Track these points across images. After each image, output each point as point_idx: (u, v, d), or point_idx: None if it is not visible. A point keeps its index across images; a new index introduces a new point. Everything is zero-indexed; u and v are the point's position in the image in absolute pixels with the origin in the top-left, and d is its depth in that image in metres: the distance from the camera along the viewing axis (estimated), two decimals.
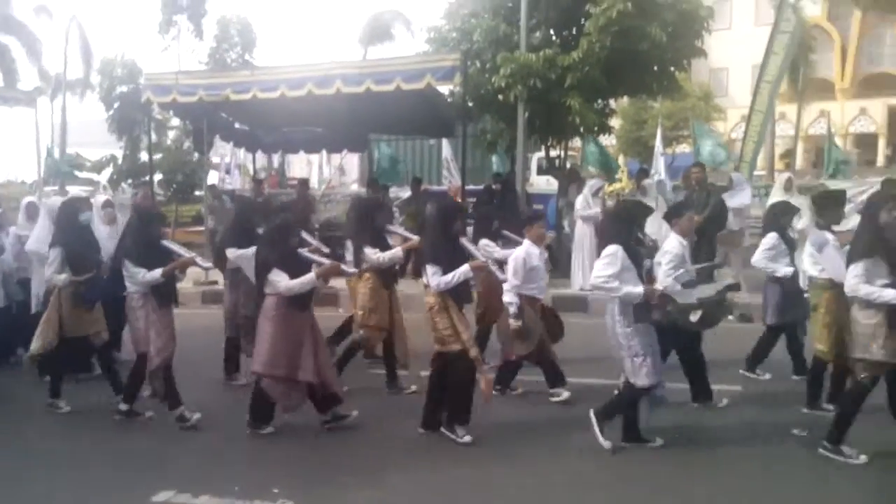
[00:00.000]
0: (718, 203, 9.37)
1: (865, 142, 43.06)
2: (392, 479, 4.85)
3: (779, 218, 6.70)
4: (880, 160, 40.09)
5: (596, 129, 12.70)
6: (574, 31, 12.26)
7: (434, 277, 5.28)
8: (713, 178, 11.35)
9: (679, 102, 27.69)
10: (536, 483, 4.74)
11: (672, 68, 12.34)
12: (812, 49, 29.67)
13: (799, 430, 5.51)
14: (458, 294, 5.33)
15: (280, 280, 5.38)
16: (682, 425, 5.45)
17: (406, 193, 15.06)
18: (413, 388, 6.55)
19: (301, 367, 5.45)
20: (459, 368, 5.32)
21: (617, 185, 27.20)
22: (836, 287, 5.45)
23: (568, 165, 14.51)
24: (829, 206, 5.93)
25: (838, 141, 29.01)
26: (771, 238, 6.52)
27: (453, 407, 5.40)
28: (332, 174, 26.29)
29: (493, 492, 4.67)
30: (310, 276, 5.44)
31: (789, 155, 36.40)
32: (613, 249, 4.97)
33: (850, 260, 4.84)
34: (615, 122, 16.46)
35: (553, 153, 14.02)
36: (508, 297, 5.96)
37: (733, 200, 10.21)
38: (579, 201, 11.35)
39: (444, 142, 15.75)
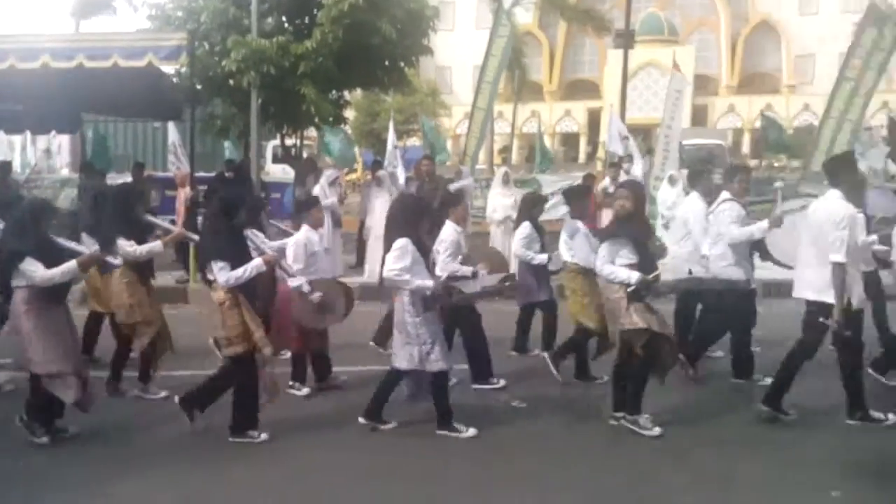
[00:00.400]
0: (447, 193, 9.95)
1: (569, 140, 48.35)
2: (123, 487, 4.51)
3: (530, 208, 7.27)
4: (581, 157, 45.29)
5: (331, 119, 12.81)
6: (307, 20, 12.23)
7: (222, 273, 4.99)
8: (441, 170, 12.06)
9: (409, 97, 28.90)
10: (303, 476, 4.69)
11: (402, 64, 12.83)
12: (525, 54, 32.49)
13: (518, 402, 5.98)
14: (248, 289, 5.12)
15: (35, 270, 4.80)
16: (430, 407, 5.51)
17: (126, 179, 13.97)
18: (163, 393, 6.13)
19: (72, 361, 5.00)
20: (242, 372, 5.11)
21: (353, 176, 27.72)
22: (587, 271, 6.12)
23: (305, 154, 14.46)
24: (577, 199, 6.68)
25: (547, 139, 32.16)
26: (525, 227, 7.04)
27: (241, 412, 5.15)
28: (39, 157, 23.52)
29: (252, 490, 4.53)
30: (71, 265, 4.91)
31: (506, 150, 39.58)
32: (403, 243, 5.07)
33: (600, 242, 5.44)
34: (349, 114, 16.71)
35: (289, 142, 13.89)
36: (296, 282, 5.83)
37: (455, 184, 10.93)
38: (316, 191, 11.36)
39: (171, 125, 14.85)
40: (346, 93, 13.80)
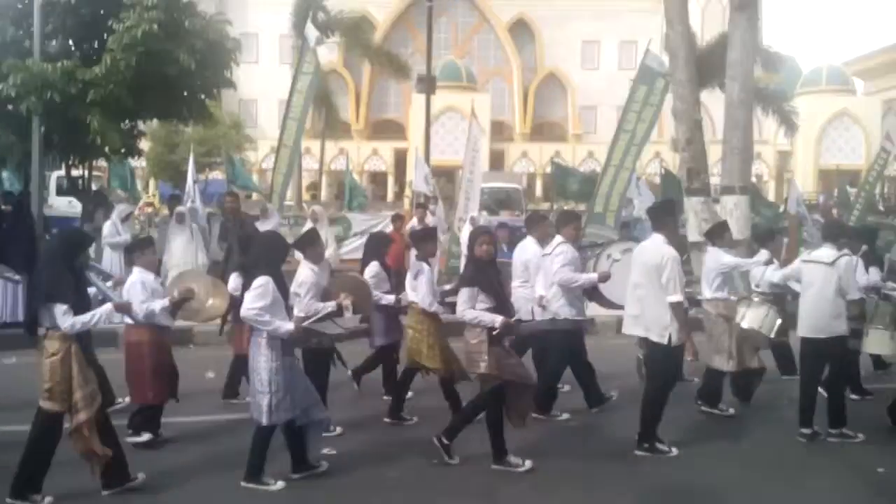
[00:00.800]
0: (255, 231, 9.75)
1: (378, 179, 49.00)
2: None
3: (378, 248, 7.29)
4: (390, 196, 46.00)
5: (123, 150, 12.04)
6: (96, 45, 11.47)
7: (65, 317, 4.55)
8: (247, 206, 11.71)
9: (211, 129, 27.90)
10: None
11: (202, 96, 12.37)
12: (332, 92, 32.63)
13: (328, 449, 5.79)
14: (85, 340, 4.70)
15: None
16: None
17: None
18: None
19: None
20: (45, 428, 4.69)
21: (149, 210, 26.15)
22: (430, 311, 6.23)
23: (94, 187, 13.44)
24: (423, 241, 6.76)
25: (356, 177, 32.37)
26: (373, 267, 7.00)
27: (27, 473, 4.67)
28: None
29: None
30: None
31: (315, 187, 39.34)
32: (264, 281, 4.89)
33: (459, 287, 5.51)
34: (145, 145, 15.79)
35: (76, 172, 12.86)
36: (159, 304, 5.54)
37: (264, 226, 10.65)
38: (107, 227, 10.62)
39: None
40: (140, 123, 13.05)
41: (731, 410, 6.95)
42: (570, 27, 51.98)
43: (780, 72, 27.00)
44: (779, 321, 6.85)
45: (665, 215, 6.03)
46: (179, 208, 11.21)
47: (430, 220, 12.40)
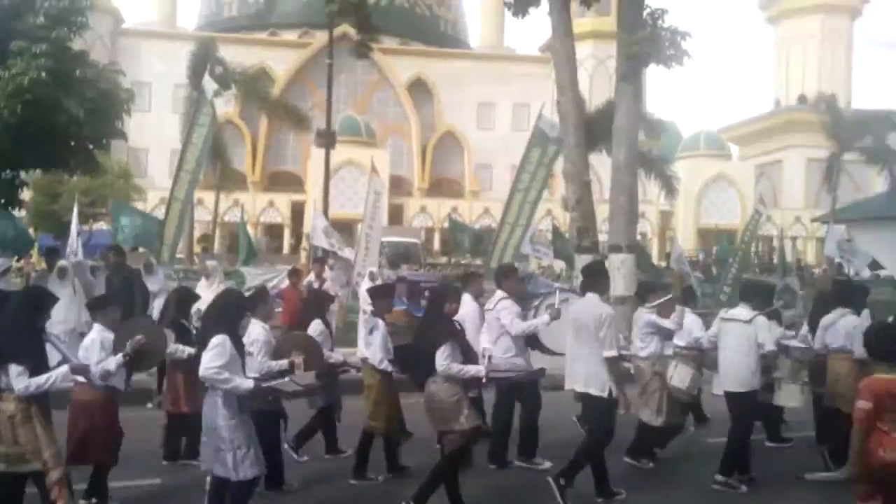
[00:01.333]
0: (142, 287, 9.48)
1: (274, 231, 48.22)
2: None
3: (321, 306, 7.24)
4: (286, 248, 45.33)
5: (2, 200, 11.42)
6: None
7: (20, 379, 4.37)
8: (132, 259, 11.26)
9: (98, 179, 26.80)
10: None
11: (90, 146, 11.93)
12: (227, 143, 32.10)
13: None
14: (43, 400, 4.53)
15: None
16: None
17: None
18: None
19: None
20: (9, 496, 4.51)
21: (19, 263, 24.61)
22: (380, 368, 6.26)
23: None
24: (380, 297, 6.73)
25: (250, 229, 31.70)
26: (316, 325, 6.84)
27: None
28: None
29: None
30: None
31: (206, 239, 38.24)
32: (221, 339, 4.79)
33: (436, 344, 5.44)
34: (27, 195, 15.00)
35: None
36: (113, 363, 5.20)
37: (153, 285, 10.25)
38: None
39: None
40: (23, 172, 12.41)
41: (651, 464, 7.10)
42: (466, 89, 53.59)
43: (662, 137, 28.62)
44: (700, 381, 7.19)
45: (598, 276, 6.36)
46: (62, 262, 10.61)
47: (327, 274, 12.30)
